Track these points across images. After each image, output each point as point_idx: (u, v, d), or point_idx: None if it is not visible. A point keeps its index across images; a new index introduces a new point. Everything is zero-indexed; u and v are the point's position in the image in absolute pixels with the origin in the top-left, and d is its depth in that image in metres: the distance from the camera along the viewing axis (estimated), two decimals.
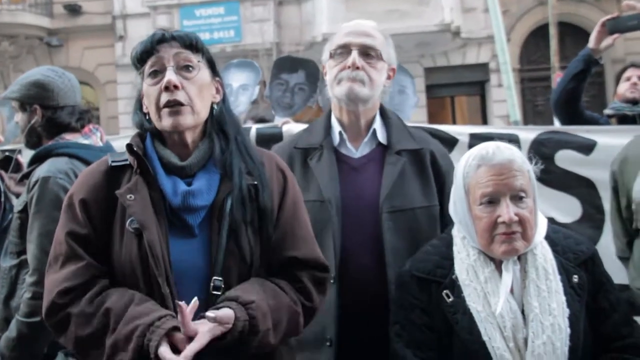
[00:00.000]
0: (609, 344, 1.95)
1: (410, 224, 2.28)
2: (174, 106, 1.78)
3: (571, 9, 14.81)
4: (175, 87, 1.77)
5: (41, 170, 2.54)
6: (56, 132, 2.71)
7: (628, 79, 3.73)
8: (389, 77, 2.43)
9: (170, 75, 1.77)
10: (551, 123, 10.20)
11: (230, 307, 1.68)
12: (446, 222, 2.32)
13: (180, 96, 1.78)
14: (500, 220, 1.85)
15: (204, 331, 1.63)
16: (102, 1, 16.17)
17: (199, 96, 1.82)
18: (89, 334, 1.70)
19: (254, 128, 3.48)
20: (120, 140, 3.05)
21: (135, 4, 15.74)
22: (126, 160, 1.86)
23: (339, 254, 2.28)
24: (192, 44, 1.85)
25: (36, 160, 2.66)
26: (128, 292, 1.74)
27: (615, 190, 2.67)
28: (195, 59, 1.84)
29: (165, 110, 1.79)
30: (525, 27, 15.20)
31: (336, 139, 2.43)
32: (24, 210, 2.57)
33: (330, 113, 2.50)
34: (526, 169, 1.92)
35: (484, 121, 14.95)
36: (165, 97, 1.78)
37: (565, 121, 3.38)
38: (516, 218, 1.84)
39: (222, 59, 1.98)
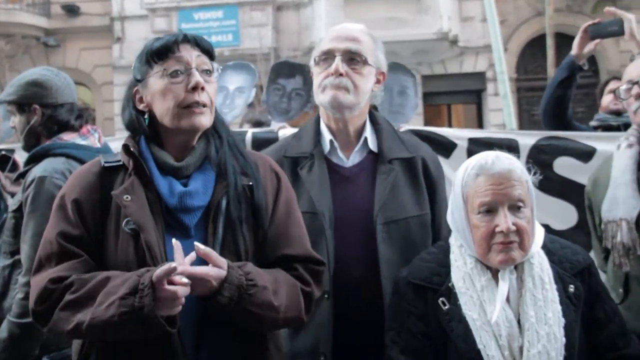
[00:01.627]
0: (605, 354, 1.96)
1: (403, 234, 2.25)
2: (199, 107, 1.82)
3: (568, 20, 14.86)
4: (202, 88, 1.82)
5: (37, 170, 2.53)
6: (56, 131, 2.70)
7: (611, 91, 3.81)
8: (378, 82, 2.36)
9: (198, 77, 1.81)
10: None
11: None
12: (437, 229, 2.33)
13: (204, 98, 1.83)
14: (498, 229, 1.86)
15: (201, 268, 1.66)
16: (101, 2, 16.14)
17: (214, 98, 1.88)
18: (81, 295, 1.67)
19: (249, 132, 3.47)
20: (117, 141, 3.04)
21: (134, 6, 15.73)
22: (119, 161, 1.87)
23: (332, 267, 2.23)
24: (209, 51, 1.91)
25: (33, 160, 2.64)
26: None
27: (590, 209, 2.73)
28: (212, 63, 1.89)
29: (188, 110, 1.81)
30: (523, 37, 15.27)
31: (327, 147, 2.37)
32: (19, 210, 2.56)
33: (319, 119, 2.44)
34: (525, 179, 1.93)
35: (480, 129, 14.98)
36: (191, 98, 1.81)
37: (553, 130, 3.37)
38: (514, 228, 1.85)
39: (219, 63, 2.00)
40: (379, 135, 2.37)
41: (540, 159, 3.03)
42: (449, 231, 2.12)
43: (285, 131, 3.50)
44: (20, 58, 15.90)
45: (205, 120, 1.84)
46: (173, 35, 1.87)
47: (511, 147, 2.97)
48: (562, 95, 3.30)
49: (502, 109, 10.87)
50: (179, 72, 1.82)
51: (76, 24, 16.15)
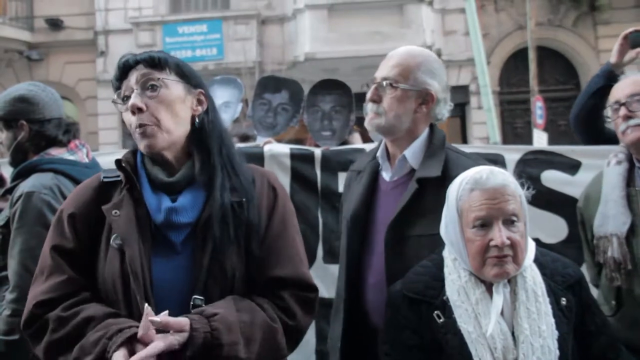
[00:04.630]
0: None
1: (411, 250, 2.27)
2: (142, 128, 1.80)
3: (549, 34, 15.07)
4: (140, 109, 1.79)
5: (25, 185, 2.52)
6: (44, 146, 2.68)
7: None
8: (424, 102, 2.41)
9: (134, 99, 1.80)
10: (530, 144, 10.31)
11: (188, 317, 1.65)
12: None
13: (145, 118, 1.80)
14: (492, 243, 1.87)
15: (158, 339, 1.60)
16: (84, 16, 16.05)
17: (167, 114, 1.83)
18: (60, 337, 1.70)
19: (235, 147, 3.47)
20: (105, 156, 3.03)
21: (118, 20, 15.68)
22: (118, 176, 1.88)
23: (346, 270, 2.44)
24: (156, 62, 1.86)
25: (20, 175, 2.63)
26: (110, 309, 1.74)
27: (582, 224, 2.75)
28: (158, 76, 1.84)
29: (137, 134, 1.81)
30: (505, 50, 15.42)
31: (381, 163, 2.52)
32: (6, 226, 2.54)
33: None
34: (518, 194, 1.95)
35: (464, 142, 15.06)
36: (133, 120, 1.80)
37: (585, 137, 3.25)
38: (508, 242, 1.86)
39: (204, 77, 2.00)
40: (425, 155, 2.41)
41: (527, 172, 3.05)
42: None
43: (271, 146, 3.51)
44: (3, 72, 15.78)
45: (154, 140, 1.81)
46: (117, 63, 1.88)
47: (497, 162, 3.00)
48: (595, 105, 3.13)
49: (485, 122, 11.00)
50: (128, 98, 1.83)
51: (60, 37, 16.05)
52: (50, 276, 1.79)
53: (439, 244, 2.21)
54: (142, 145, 1.82)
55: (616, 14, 14.70)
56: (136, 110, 1.79)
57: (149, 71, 1.85)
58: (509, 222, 1.90)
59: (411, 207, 2.28)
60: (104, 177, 1.91)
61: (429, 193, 2.28)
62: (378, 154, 2.52)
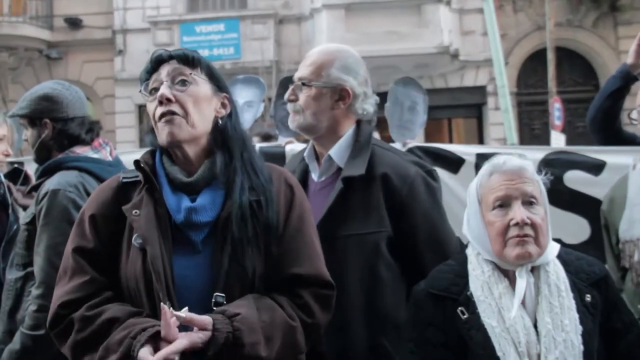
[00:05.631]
0: None
1: (341, 250, 2.25)
2: (168, 116, 1.82)
3: (568, 34, 14.97)
4: (168, 99, 1.83)
5: (51, 183, 2.55)
6: (67, 145, 2.71)
7: None
8: (341, 99, 2.39)
9: (163, 89, 1.83)
10: (547, 145, 10.24)
11: (211, 316, 1.67)
12: (408, 247, 2.29)
13: (173, 107, 1.83)
14: (512, 222, 1.90)
15: (182, 337, 1.62)
16: (103, 15, 16.20)
17: (195, 108, 1.86)
18: (85, 337, 1.73)
19: (257, 147, 3.48)
20: (128, 155, 3.06)
21: (136, 19, 15.80)
22: (137, 176, 1.90)
23: None
24: (189, 60, 1.91)
25: (45, 173, 2.66)
26: (133, 308, 1.78)
27: (606, 228, 2.73)
28: (189, 72, 1.89)
29: (161, 123, 1.84)
30: (523, 51, 15.33)
31: (308, 163, 2.51)
32: (32, 222, 2.58)
33: None
34: (536, 179, 1.99)
35: (481, 143, 14.98)
36: (159, 110, 1.83)
37: (602, 140, 3.20)
38: (528, 220, 1.89)
39: (222, 76, 2.04)
40: (351, 153, 2.38)
41: (550, 173, 3.03)
42: (432, 250, 2.23)
43: (293, 146, 3.52)
44: (23, 70, 15.97)
45: (178, 130, 1.83)
46: (150, 57, 1.92)
47: None
48: (612, 106, 3.09)
49: (502, 123, 10.96)
50: (155, 90, 1.87)
51: (78, 36, 16.20)
52: (73, 277, 1.82)
53: (369, 243, 2.24)
54: (164, 134, 1.83)
55: (637, 14, 14.58)
56: (164, 101, 1.83)
57: (181, 67, 1.89)
58: (528, 203, 1.93)
59: (338, 207, 2.27)
60: (123, 178, 1.93)
61: (355, 192, 2.28)
62: (305, 154, 2.51)
